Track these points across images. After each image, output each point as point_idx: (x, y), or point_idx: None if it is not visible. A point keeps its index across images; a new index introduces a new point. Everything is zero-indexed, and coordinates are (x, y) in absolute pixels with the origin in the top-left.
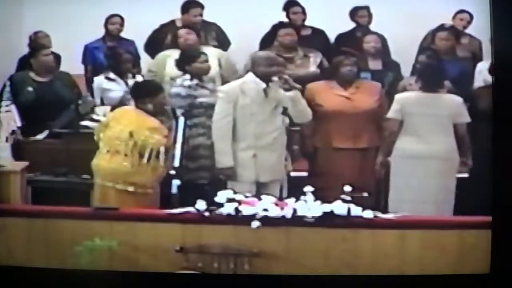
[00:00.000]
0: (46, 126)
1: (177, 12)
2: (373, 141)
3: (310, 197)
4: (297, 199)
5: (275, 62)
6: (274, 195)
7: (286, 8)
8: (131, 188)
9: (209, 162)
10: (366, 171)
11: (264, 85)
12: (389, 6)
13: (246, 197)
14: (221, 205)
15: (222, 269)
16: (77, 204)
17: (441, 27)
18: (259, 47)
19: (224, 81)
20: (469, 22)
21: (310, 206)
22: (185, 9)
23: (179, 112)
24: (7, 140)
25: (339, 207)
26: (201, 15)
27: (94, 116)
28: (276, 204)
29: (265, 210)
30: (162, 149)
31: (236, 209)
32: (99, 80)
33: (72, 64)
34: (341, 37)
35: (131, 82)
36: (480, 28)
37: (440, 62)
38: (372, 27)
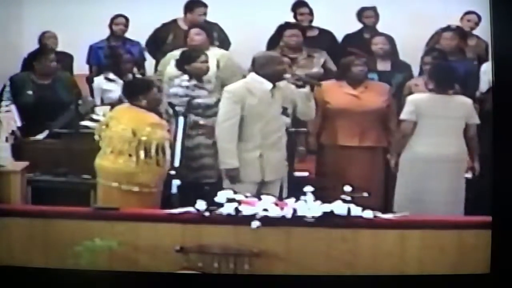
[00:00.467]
0: (46, 126)
1: (180, 12)
2: (379, 141)
3: (310, 197)
4: (297, 199)
5: (280, 60)
6: (274, 195)
7: (294, 8)
8: (136, 188)
9: (212, 161)
10: (371, 170)
11: (271, 85)
12: (396, 6)
13: (246, 197)
14: (221, 205)
15: (222, 269)
16: (77, 204)
17: (447, 28)
18: (266, 48)
19: (221, 83)
20: (477, 24)
21: (310, 206)
22: (189, 8)
23: (179, 111)
24: (7, 140)
25: (339, 207)
26: (205, 14)
27: (94, 116)
28: (276, 204)
29: (265, 210)
30: (166, 144)
31: (236, 209)
32: (99, 81)
33: (74, 64)
34: (348, 38)
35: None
36: (485, 30)
37: (449, 63)
38: (379, 27)
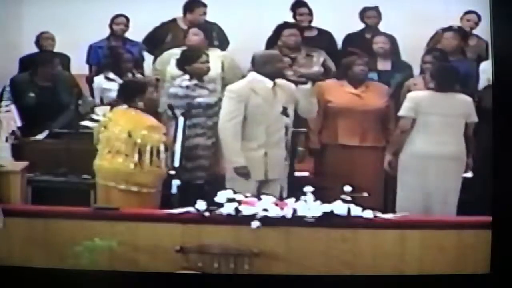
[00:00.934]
0: (46, 126)
1: (180, 12)
2: (379, 141)
3: (310, 197)
4: (297, 199)
5: (280, 58)
6: (274, 195)
7: (293, 8)
8: (134, 188)
9: (207, 162)
10: (371, 170)
11: (271, 83)
12: (397, 6)
13: (246, 197)
14: (221, 205)
15: (222, 269)
16: (77, 204)
17: (449, 28)
18: (265, 47)
19: (225, 84)
20: (477, 23)
21: (310, 206)
22: (189, 8)
23: (178, 112)
24: (7, 140)
25: (339, 207)
26: (204, 13)
27: (94, 116)
28: (276, 204)
29: (265, 210)
30: (161, 147)
31: (236, 209)
32: (99, 80)
33: (74, 64)
34: (349, 37)
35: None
36: (485, 30)
37: (451, 63)
38: (381, 27)
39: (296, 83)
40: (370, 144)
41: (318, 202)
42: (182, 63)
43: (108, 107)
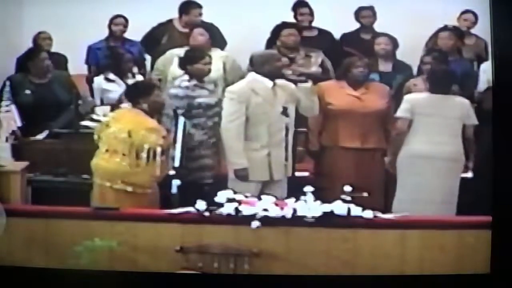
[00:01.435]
0: (46, 126)
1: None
2: (380, 143)
3: (310, 197)
4: (297, 199)
5: (278, 58)
6: (281, 195)
7: (294, 8)
8: (129, 188)
9: (211, 162)
10: (372, 172)
11: (271, 83)
12: (394, 6)
13: (246, 197)
14: (221, 205)
15: (222, 269)
16: (77, 204)
17: (444, 28)
18: (265, 48)
19: (227, 84)
20: (474, 23)
21: (310, 206)
22: (185, 9)
23: (179, 112)
24: (7, 140)
25: (339, 207)
26: (200, 14)
27: (94, 116)
28: (276, 204)
29: (265, 210)
30: (158, 150)
31: (236, 209)
32: (99, 81)
33: (74, 65)
34: (344, 37)
35: (131, 82)
36: (485, 29)
37: (448, 63)
38: (378, 28)
39: (296, 82)
40: (371, 146)
41: (318, 202)
42: (184, 63)
43: (108, 107)
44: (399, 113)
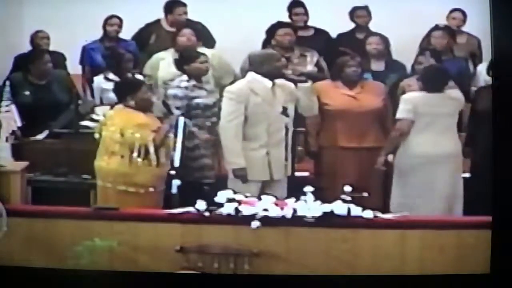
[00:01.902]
0: (46, 126)
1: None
2: (378, 141)
3: (310, 197)
4: (297, 199)
5: (278, 57)
6: (281, 195)
7: (290, 8)
8: (131, 189)
9: (211, 161)
10: (371, 171)
11: (270, 83)
12: (389, 6)
13: (246, 197)
14: (221, 205)
15: (222, 269)
16: (77, 204)
17: (436, 27)
18: (262, 47)
19: (217, 82)
20: (464, 21)
21: (310, 206)
22: (168, 9)
23: (178, 112)
24: (7, 140)
25: (339, 207)
26: (185, 13)
27: (94, 116)
28: (276, 204)
29: (265, 210)
30: (150, 145)
31: (236, 209)
32: (99, 80)
33: (72, 64)
34: (340, 37)
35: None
36: (485, 29)
37: (441, 63)
38: (372, 27)
39: (296, 81)
40: (370, 144)
41: (318, 202)
42: (181, 64)
43: (108, 107)
44: (401, 114)
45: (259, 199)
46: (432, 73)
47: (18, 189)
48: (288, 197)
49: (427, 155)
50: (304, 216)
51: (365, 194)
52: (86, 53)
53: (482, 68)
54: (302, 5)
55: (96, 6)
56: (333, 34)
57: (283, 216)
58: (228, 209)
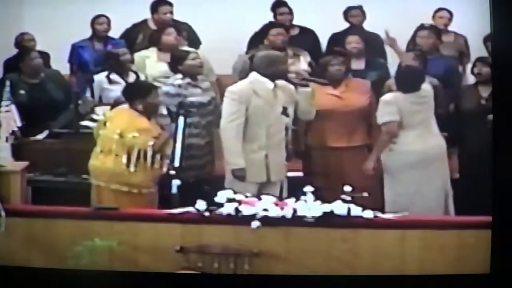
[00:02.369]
0: (46, 126)
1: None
2: (366, 139)
3: (310, 197)
4: (297, 199)
5: (284, 60)
6: (275, 195)
7: (274, 8)
8: (125, 188)
9: (200, 162)
10: (359, 169)
11: (272, 84)
12: (383, 5)
13: (246, 197)
14: (221, 205)
15: (222, 269)
16: (77, 204)
17: (421, 27)
18: (247, 47)
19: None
20: (450, 20)
21: (310, 206)
22: (154, 8)
23: (177, 111)
24: (7, 140)
25: (339, 207)
26: (171, 12)
27: (94, 116)
28: (276, 204)
29: (265, 210)
30: (149, 150)
31: (236, 209)
32: (99, 79)
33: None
34: (334, 37)
35: (131, 80)
36: (485, 29)
37: (426, 62)
38: (366, 26)
39: (297, 85)
40: (358, 143)
41: (318, 202)
42: (174, 64)
43: (108, 107)
44: (387, 117)
45: (259, 199)
46: (407, 74)
47: (18, 189)
48: (288, 197)
49: (414, 152)
50: (304, 216)
51: (365, 194)
52: (75, 51)
53: (467, 67)
54: (286, 4)
55: (98, 6)
56: (326, 34)
57: (283, 216)
58: (228, 209)
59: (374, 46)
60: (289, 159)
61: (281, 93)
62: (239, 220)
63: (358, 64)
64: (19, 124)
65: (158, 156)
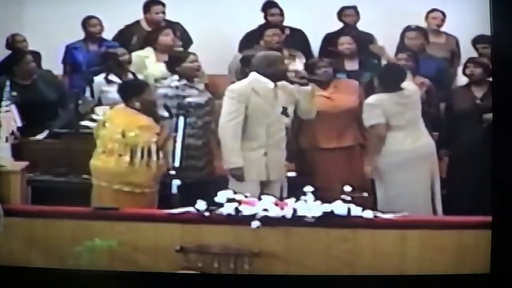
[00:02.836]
0: (46, 126)
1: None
2: (357, 139)
3: (310, 197)
4: (297, 199)
5: (283, 60)
6: (275, 195)
7: (264, 9)
8: (127, 188)
9: (199, 163)
10: (353, 169)
11: (273, 84)
12: (375, 5)
13: (246, 197)
14: (221, 205)
15: (222, 269)
16: (77, 204)
17: (408, 28)
18: (239, 47)
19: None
20: (443, 20)
21: (310, 206)
22: (146, 8)
23: (175, 111)
24: (7, 140)
25: (339, 207)
26: (163, 12)
27: (94, 116)
28: (276, 204)
29: (265, 210)
30: (153, 147)
31: (236, 209)
32: (99, 81)
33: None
34: (328, 36)
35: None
36: (485, 29)
37: (419, 61)
38: (360, 26)
39: (297, 84)
40: (349, 143)
41: (318, 202)
42: (171, 65)
43: (108, 107)
44: (374, 120)
45: (259, 199)
46: (388, 72)
47: (18, 189)
48: (288, 197)
49: (402, 151)
50: (304, 216)
51: (365, 194)
52: (69, 52)
53: (459, 68)
54: (277, 5)
55: (97, 6)
56: (317, 34)
57: (283, 216)
58: (228, 209)
59: (367, 46)
60: (290, 159)
61: (282, 93)
62: (239, 220)
63: (352, 65)
64: (19, 124)
65: (161, 153)
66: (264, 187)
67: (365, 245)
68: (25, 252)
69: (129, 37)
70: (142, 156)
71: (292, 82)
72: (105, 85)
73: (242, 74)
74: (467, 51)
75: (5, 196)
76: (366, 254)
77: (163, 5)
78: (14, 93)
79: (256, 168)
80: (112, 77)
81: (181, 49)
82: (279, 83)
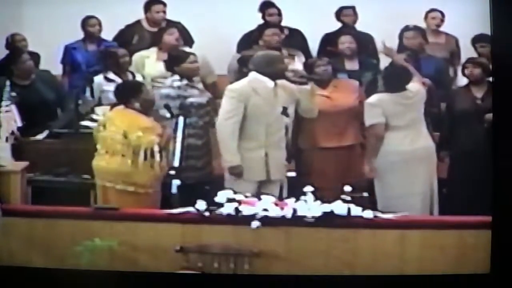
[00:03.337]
0: (46, 126)
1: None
2: (357, 138)
3: (310, 197)
4: (297, 199)
5: (282, 59)
6: (275, 195)
7: (262, 9)
8: (131, 188)
9: (199, 163)
10: (353, 169)
11: (273, 83)
12: (374, 5)
13: (246, 197)
14: (221, 205)
15: (222, 269)
16: (77, 204)
17: (406, 28)
18: (237, 47)
19: (202, 81)
20: (442, 20)
21: (310, 206)
22: (146, 7)
23: (176, 111)
24: (7, 140)
25: (339, 207)
26: (164, 12)
27: (94, 116)
28: (276, 204)
29: (265, 210)
30: (156, 148)
31: (236, 209)
32: (99, 81)
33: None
34: (327, 37)
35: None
36: (485, 29)
37: (419, 61)
38: (359, 26)
39: (297, 83)
40: (349, 143)
41: (318, 202)
42: (170, 64)
43: (108, 107)
44: (373, 119)
45: (259, 199)
46: (393, 73)
47: (18, 189)
48: (288, 197)
49: (400, 152)
50: (304, 216)
51: (365, 194)
52: (68, 52)
53: (459, 68)
54: (274, 5)
55: (97, 6)
56: (315, 34)
57: (283, 216)
58: (228, 209)
59: (366, 46)
60: (290, 159)
61: (282, 92)
62: (239, 220)
63: (352, 65)
64: (19, 124)
65: (163, 153)
66: (264, 187)
67: (365, 245)
68: (25, 252)
69: (130, 37)
70: (145, 157)
71: (291, 81)
72: (105, 84)
73: (240, 74)
74: (467, 51)
75: (5, 196)
76: (366, 254)
77: (164, 4)
78: (14, 94)
79: (257, 167)
80: (111, 75)
81: (187, 48)
82: (279, 82)
